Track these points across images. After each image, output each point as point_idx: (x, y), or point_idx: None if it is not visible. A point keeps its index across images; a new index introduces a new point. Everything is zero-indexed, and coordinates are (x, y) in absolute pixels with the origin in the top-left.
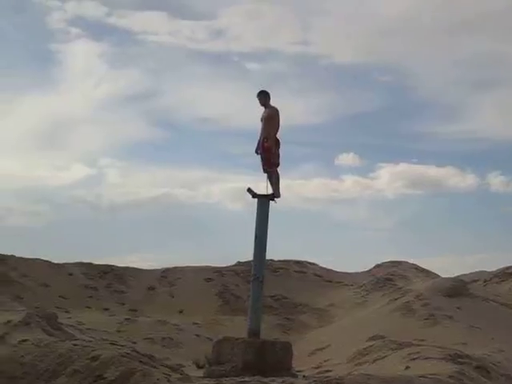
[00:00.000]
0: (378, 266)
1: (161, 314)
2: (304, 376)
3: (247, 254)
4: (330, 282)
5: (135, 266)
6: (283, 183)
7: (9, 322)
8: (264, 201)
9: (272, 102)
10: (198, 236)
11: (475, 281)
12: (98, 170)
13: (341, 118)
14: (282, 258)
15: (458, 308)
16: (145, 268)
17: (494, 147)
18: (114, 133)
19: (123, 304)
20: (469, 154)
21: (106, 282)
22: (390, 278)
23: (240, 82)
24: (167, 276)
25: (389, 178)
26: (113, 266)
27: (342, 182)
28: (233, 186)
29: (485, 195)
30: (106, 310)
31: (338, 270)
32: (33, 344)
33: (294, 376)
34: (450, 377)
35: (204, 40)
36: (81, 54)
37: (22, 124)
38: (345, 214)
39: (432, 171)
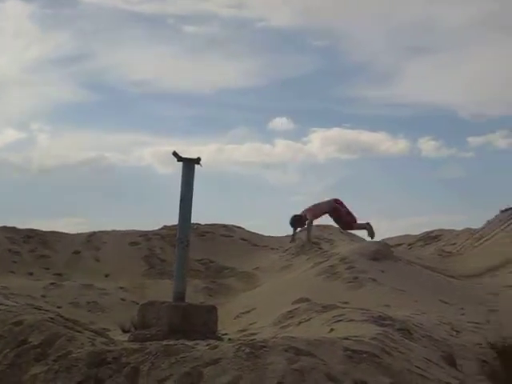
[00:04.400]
0: (304, 229)
1: (86, 278)
2: (229, 339)
3: (174, 218)
4: (257, 245)
5: (63, 231)
6: (214, 147)
7: None
8: (189, 164)
9: (207, 66)
10: (129, 200)
11: (400, 244)
12: (28, 133)
13: (275, 81)
14: (209, 222)
15: (382, 271)
16: (72, 232)
17: (425, 113)
18: (45, 96)
19: (48, 269)
20: (400, 119)
21: (30, 246)
22: (315, 241)
23: (175, 44)
24: (93, 240)
25: (321, 142)
26: (37, 230)
27: (274, 146)
28: (165, 149)
29: (416, 160)
30: (31, 274)
31: (264, 234)
32: None
33: (220, 339)
34: (373, 338)
35: (139, 1)
36: (11, 14)
37: None
38: (276, 179)
39: (364, 136)
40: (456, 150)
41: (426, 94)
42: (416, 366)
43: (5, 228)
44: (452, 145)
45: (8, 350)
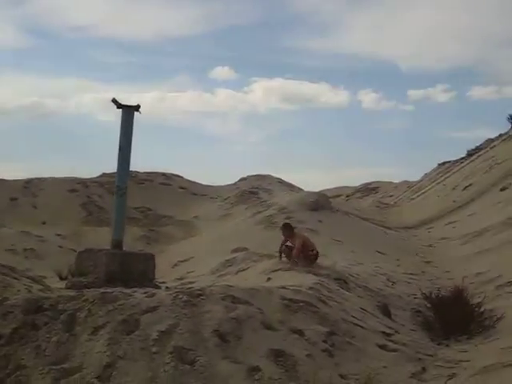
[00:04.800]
0: (242, 179)
1: (23, 225)
2: (167, 287)
3: (113, 166)
4: (196, 194)
5: (0, 177)
6: (155, 94)
7: None
8: (129, 111)
9: (147, 13)
10: (67, 146)
11: (338, 195)
12: None
13: (217, 30)
14: (148, 170)
15: (320, 221)
16: (9, 178)
17: (366, 65)
18: None
19: None
20: (342, 70)
21: None
22: (254, 191)
23: None
24: (30, 187)
25: (262, 92)
26: None
27: (215, 95)
28: (105, 96)
29: (356, 112)
30: None
31: (203, 183)
32: None
33: (157, 287)
34: (310, 288)
35: None
36: None
37: None
38: (217, 128)
39: (305, 87)
40: (396, 102)
41: (367, 46)
42: (352, 316)
43: None
44: (392, 97)
45: None
